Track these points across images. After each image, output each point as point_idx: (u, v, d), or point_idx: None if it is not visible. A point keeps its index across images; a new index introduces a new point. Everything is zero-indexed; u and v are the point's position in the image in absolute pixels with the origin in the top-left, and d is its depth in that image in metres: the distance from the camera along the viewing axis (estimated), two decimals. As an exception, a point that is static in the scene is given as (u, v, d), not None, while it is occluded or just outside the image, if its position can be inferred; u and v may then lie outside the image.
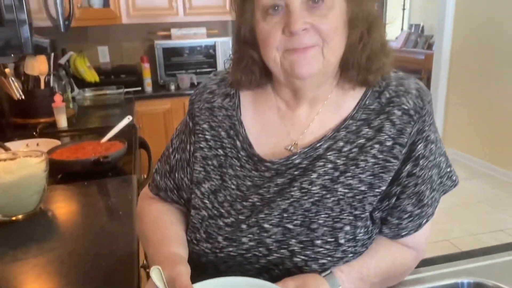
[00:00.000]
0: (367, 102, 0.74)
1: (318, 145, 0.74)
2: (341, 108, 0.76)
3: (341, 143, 0.73)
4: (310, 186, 0.71)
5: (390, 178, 0.71)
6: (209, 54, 3.30)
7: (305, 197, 0.71)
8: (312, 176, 0.72)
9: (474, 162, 3.85)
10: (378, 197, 0.72)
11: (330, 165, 0.72)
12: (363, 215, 0.71)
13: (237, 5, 0.74)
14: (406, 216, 0.74)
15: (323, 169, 0.72)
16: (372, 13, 0.71)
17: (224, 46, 3.27)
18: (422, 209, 0.74)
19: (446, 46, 3.96)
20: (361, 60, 0.72)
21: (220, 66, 3.31)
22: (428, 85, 4.56)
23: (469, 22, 3.72)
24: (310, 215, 0.71)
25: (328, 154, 0.72)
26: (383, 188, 0.71)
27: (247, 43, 0.75)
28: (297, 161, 0.74)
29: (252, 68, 0.77)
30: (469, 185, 3.49)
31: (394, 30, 6.28)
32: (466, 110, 3.88)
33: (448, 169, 0.78)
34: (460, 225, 2.85)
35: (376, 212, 0.74)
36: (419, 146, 0.71)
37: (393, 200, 0.73)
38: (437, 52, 4.10)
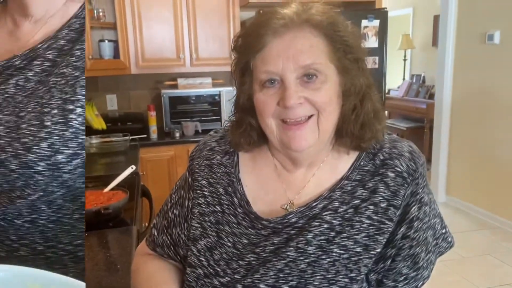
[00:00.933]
0: (361, 163, 0.76)
1: (314, 204, 0.75)
2: (336, 169, 0.78)
3: (336, 203, 0.74)
4: (306, 246, 0.72)
5: (385, 240, 0.72)
6: (214, 102, 3.38)
7: (301, 258, 0.72)
8: (308, 236, 0.72)
9: (479, 212, 3.79)
10: (373, 259, 0.72)
11: (325, 225, 0.73)
12: (358, 277, 0.71)
13: (237, 76, 0.78)
14: (402, 278, 0.74)
15: (318, 229, 0.72)
16: (365, 84, 0.74)
17: (228, 95, 3.35)
18: (417, 271, 0.74)
19: (447, 96, 4.03)
20: (354, 129, 0.74)
21: (224, 114, 3.38)
22: (431, 134, 4.60)
23: (468, 72, 3.80)
24: (306, 276, 0.71)
25: (324, 214, 0.73)
26: (378, 250, 0.72)
27: (246, 110, 0.78)
28: (293, 220, 0.75)
29: (251, 133, 0.80)
30: (475, 236, 3.42)
31: (396, 80, 6.41)
32: (469, 159, 3.88)
33: (443, 231, 0.79)
34: (467, 278, 2.77)
35: (371, 274, 0.74)
36: (413, 208, 0.72)
37: (388, 262, 0.73)
38: (438, 102, 4.16)
